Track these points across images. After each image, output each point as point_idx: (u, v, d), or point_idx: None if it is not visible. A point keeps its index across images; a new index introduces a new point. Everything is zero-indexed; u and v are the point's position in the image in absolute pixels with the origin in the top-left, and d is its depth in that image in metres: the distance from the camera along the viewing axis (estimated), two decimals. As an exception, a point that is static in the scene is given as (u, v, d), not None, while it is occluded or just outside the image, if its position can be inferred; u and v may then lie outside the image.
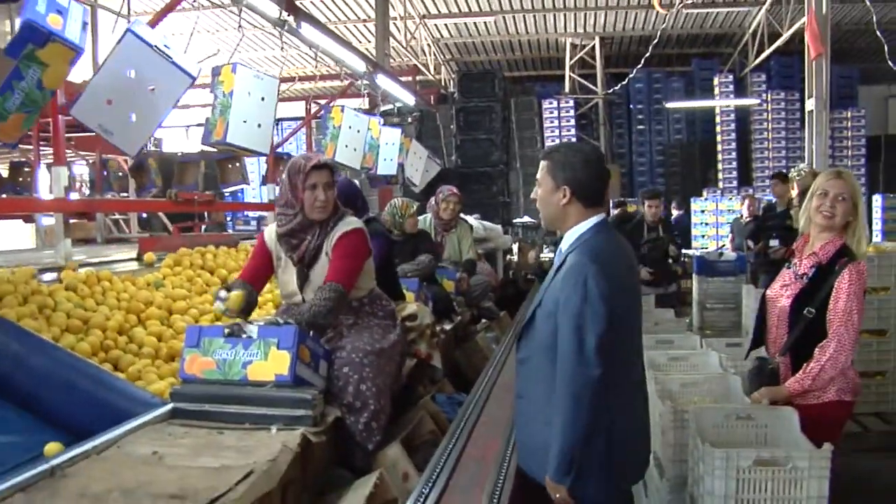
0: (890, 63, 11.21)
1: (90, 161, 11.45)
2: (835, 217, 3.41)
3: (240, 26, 6.19)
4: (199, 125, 11.26)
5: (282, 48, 10.75)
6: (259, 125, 5.86)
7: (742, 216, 10.55)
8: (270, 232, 3.56)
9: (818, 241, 3.50)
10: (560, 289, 2.56)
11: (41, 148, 8.81)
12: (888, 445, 4.80)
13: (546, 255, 10.56)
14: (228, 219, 14.59)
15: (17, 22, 3.74)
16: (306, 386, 2.88)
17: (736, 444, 3.09)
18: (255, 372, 2.86)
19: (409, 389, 3.96)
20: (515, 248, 11.24)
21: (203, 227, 11.45)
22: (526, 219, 14.16)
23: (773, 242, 7.67)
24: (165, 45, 4.56)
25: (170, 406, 2.89)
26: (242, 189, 10.71)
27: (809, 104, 11.73)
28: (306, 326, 3.10)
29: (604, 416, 2.52)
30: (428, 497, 2.53)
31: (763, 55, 15.34)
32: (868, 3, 11.42)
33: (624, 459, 2.66)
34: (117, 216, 12.30)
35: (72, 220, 11.63)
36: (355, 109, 8.45)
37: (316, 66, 8.60)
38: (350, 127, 8.16)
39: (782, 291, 3.62)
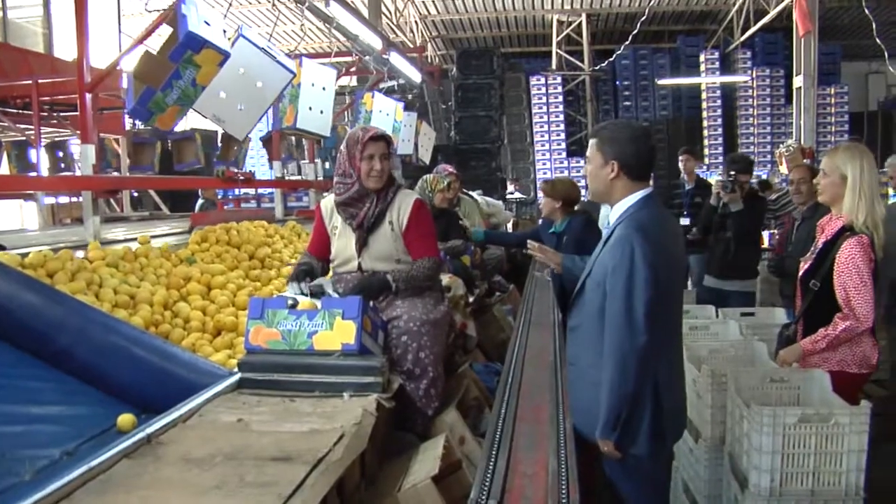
0: (878, 40, 11.40)
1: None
2: (823, 193, 3.61)
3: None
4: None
5: (300, 26, 10.75)
6: (321, 111, 6.77)
7: None
8: (326, 202, 3.72)
9: (834, 216, 3.69)
10: (609, 259, 2.72)
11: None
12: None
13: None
14: (220, 196, 14.61)
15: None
16: (371, 354, 2.98)
17: (771, 404, 3.25)
18: (321, 341, 2.95)
19: (448, 359, 4.07)
20: (510, 225, 11.35)
21: (199, 203, 11.44)
22: (518, 195, 14.29)
23: (683, 221, 7.55)
24: (269, 47, 5.39)
25: (237, 376, 2.97)
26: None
27: (798, 81, 11.92)
28: (403, 284, 3.41)
29: (649, 378, 2.71)
30: (497, 457, 2.63)
31: (749, 32, 15.49)
32: (855, -19, 11.57)
33: (669, 419, 2.84)
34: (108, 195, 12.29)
35: (71, 200, 11.69)
36: (379, 91, 9.03)
37: (330, 43, 8.68)
38: (380, 111, 8.85)
39: (803, 264, 3.82)
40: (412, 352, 3.20)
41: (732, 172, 5.93)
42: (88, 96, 4.81)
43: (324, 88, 6.84)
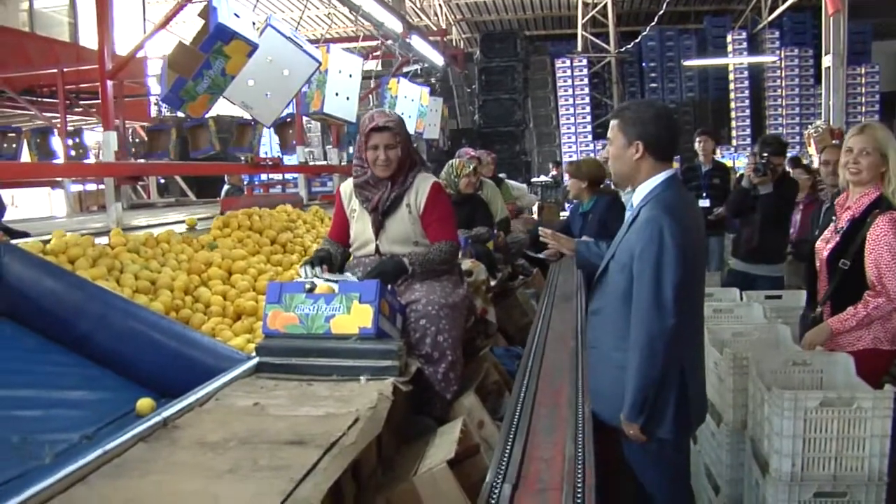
0: (907, 17, 11.20)
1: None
2: (861, 172, 3.55)
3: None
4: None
5: (327, 14, 10.75)
6: (348, 98, 7.04)
7: None
8: (345, 187, 3.72)
9: (854, 195, 3.63)
10: (636, 241, 2.69)
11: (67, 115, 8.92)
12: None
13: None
14: (245, 182, 14.68)
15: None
16: (388, 338, 2.97)
17: (794, 388, 3.22)
18: (339, 325, 2.95)
19: (468, 343, 4.06)
20: (535, 208, 11.30)
21: (224, 189, 11.48)
22: (542, 178, 14.21)
23: (704, 203, 7.44)
24: (295, 35, 5.57)
25: (255, 360, 2.97)
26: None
27: (826, 60, 11.72)
28: (419, 267, 3.39)
29: (676, 362, 2.69)
30: (514, 442, 2.62)
31: (777, 11, 15.28)
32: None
33: (695, 404, 2.82)
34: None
35: (98, 188, 11.78)
36: (404, 76, 9.24)
37: (356, 28, 8.71)
38: (405, 96, 9.03)
39: (824, 245, 3.76)
40: (430, 335, 3.19)
41: (765, 154, 5.84)
42: (110, 83, 4.84)
43: (350, 75, 7.10)
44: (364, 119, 3.54)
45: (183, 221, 5.39)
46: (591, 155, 16.08)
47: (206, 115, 5.79)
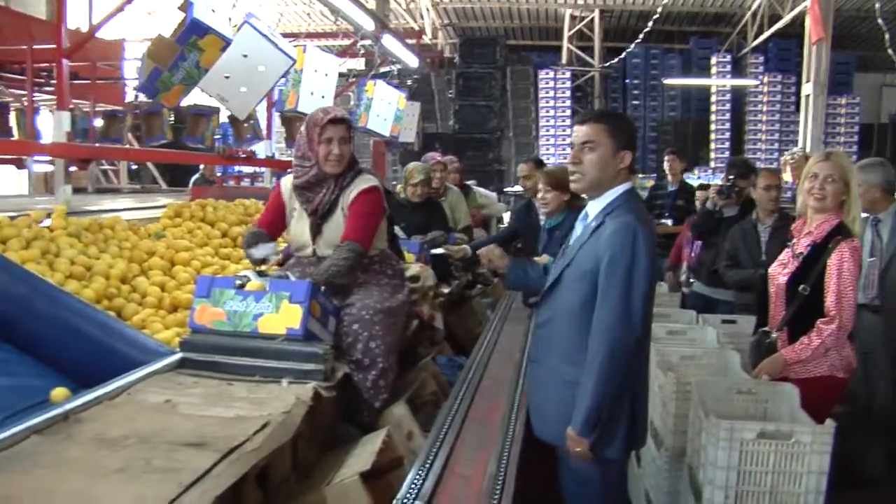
0: (890, 51, 11.22)
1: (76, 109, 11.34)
2: (826, 198, 3.50)
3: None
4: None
5: (307, 13, 10.66)
6: (323, 97, 7.18)
7: None
8: (286, 183, 3.57)
9: (814, 220, 3.59)
10: (605, 247, 2.57)
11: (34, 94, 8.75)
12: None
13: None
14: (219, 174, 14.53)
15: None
16: (316, 341, 2.87)
17: (736, 417, 3.13)
18: (266, 325, 2.86)
19: (410, 350, 3.97)
20: (507, 216, 11.23)
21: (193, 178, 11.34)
22: (518, 188, 14.13)
23: (666, 222, 7.40)
24: (272, 33, 5.74)
25: (178, 356, 2.87)
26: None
27: (807, 88, 11.75)
28: (324, 285, 3.13)
29: (631, 377, 2.58)
30: (437, 456, 2.53)
31: (762, 37, 15.33)
32: (871, -10, 11.41)
33: (642, 424, 2.73)
34: (106, 167, 12.23)
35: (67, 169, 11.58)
36: (381, 78, 9.33)
37: (336, 24, 8.66)
38: (382, 99, 9.08)
39: (780, 269, 3.71)
40: (362, 341, 3.08)
41: (731, 177, 5.78)
42: (65, 62, 4.72)
43: (326, 75, 7.31)
44: (315, 114, 3.41)
45: (140, 208, 5.28)
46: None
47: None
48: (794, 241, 3.71)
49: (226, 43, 4.85)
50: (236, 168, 12.98)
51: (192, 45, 4.67)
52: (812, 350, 3.39)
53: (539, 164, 6.42)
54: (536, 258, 4.75)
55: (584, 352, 2.61)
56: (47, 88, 10.66)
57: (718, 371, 3.84)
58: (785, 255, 3.75)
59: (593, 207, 2.77)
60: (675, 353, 3.95)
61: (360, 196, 3.38)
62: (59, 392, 2.75)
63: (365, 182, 3.42)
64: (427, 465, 2.45)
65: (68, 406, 2.31)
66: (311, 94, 7.10)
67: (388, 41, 9.02)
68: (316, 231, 3.41)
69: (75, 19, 11.54)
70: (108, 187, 10.43)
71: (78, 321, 3.09)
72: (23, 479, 1.87)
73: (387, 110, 9.33)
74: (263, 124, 9.07)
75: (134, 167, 13.13)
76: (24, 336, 3.08)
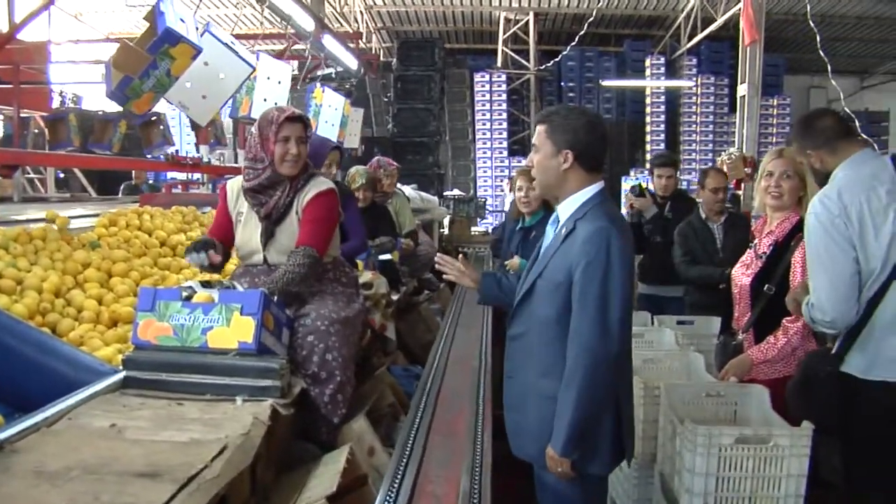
0: (821, 52, 11.42)
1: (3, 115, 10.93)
2: (783, 196, 3.49)
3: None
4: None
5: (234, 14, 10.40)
6: (276, 103, 7.01)
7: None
8: (233, 185, 3.37)
9: (774, 219, 3.57)
10: (578, 255, 2.44)
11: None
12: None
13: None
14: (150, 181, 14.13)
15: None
16: (271, 355, 2.70)
17: (706, 420, 3.08)
18: (216, 339, 2.67)
19: (364, 361, 3.81)
20: (447, 221, 11.13)
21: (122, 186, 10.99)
22: (456, 192, 14.06)
23: None
24: (232, 42, 5.93)
25: (121, 374, 2.66)
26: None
27: (742, 89, 11.90)
28: (279, 294, 2.95)
29: (613, 391, 2.47)
30: (405, 474, 2.38)
31: (696, 39, 15.52)
32: (803, -6, 11.61)
33: (629, 436, 2.61)
34: (32, 175, 11.77)
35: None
36: (322, 82, 9.49)
37: (266, 25, 8.47)
38: (329, 105, 9.29)
39: (744, 270, 3.67)
40: (318, 353, 2.90)
41: (641, 175, 5.75)
42: (-12, 63, 4.44)
43: (279, 82, 7.58)
44: (270, 112, 3.22)
45: (71, 217, 4.99)
46: (506, 172, 16.04)
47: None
48: (756, 241, 3.67)
49: (196, 51, 4.97)
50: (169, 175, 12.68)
51: (163, 53, 4.77)
52: (778, 349, 3.35)
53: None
54: (507, 261, 4.63)
55: (561, 364, 2.49)
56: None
57: (682, 373, 3.78)
58: (747, 256, 3.72)
59: (563, 211, 2.65)
60: (637, 356, 3.86)
61: (316, 200, 3.20)
62: (-9, 418, 2.53)
63: (320, 185, 3.24)
64: (396, 485, 2.30)
65: (2, 435, 2.10)
66: (265, 100, 7.29)
67: (329, 42, 8.86)
68: (268, 236, 3.22)
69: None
70: (35, 196, 9.99)
71: (9, 339, 2.85)
72: (-46, 521, 1.67)
73: (334, 116, 9.42)
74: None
75: (61, 175, 12.67)
76: (-51, 357, 2.84)
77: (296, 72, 12.01)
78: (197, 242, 3.11)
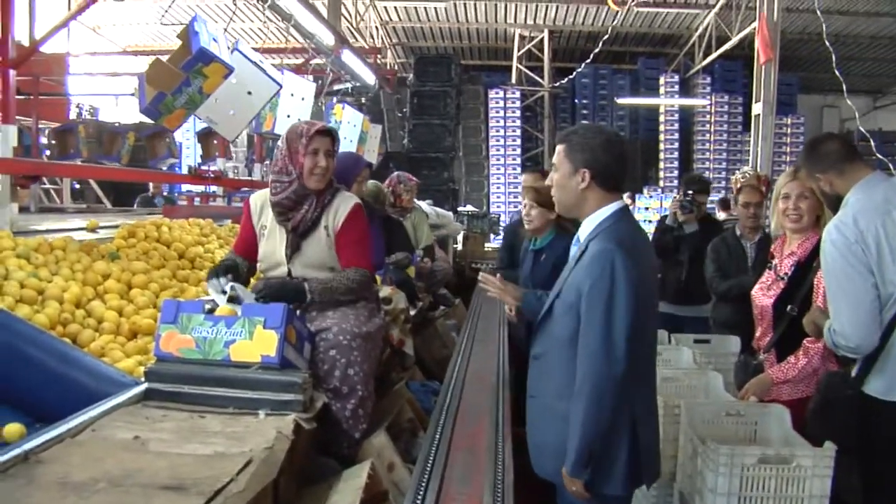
0: (836, 72, 11.37)
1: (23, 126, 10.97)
2: (802, 218, 3.47)
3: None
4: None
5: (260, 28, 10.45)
6: (299, 119, 6.99)
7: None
8: (256, 199, 3.38)
9: (794, 240, 3.55)
10: (584, 277, 2.45)
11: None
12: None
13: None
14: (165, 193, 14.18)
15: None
16: (293, 369, 2.69)
17: (726, 439, 3.05)
18: (239, 352, 2.66)
19: (383, 376, 3.80)
20: (461, 237, 11.13)
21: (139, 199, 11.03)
22: (470, 208, 14.07)
23: None
24: (261, 60, 6.11)
25: (143, 386, 2.66)
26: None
27: (756, 108, 11.87)
28: (318, 296, 3.05)
29: (626, 411, 2.44)
30: (427, 489, 2.37)
31: (710, 58, 15.51)
32: (819, 14, 11.56)
33: (649, 457, 2.58)
34: (48, 185, 11.83)
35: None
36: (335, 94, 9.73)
37: (286, 42, 8.58)
38: (349, 122, 9.38)
39: (764, 291, 3.64)
40: (340, 368, 2.90)
41: (690, 192, 5.73)
42: (12, 73, 4.48)
43: (303, 98, 7.75)
44: (298, 126, 3.24)
45: (87, 229, 5.01)
46: (519, 188, 16.02)
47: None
48: (776, 262, 3.66)
49: (228, 71, 5.12)
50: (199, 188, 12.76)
51: (196, 71, 4.91)
52: (799, 370, 3.33)
53: (545, 175, 6.06)
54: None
55: (574, 385, 2.48)
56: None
57: (700, 392, 3.76)
58: (767, 276, 3.70)
59: (582, 231, 2.66)
60: (658, 375, 3.85)
61: (351, 220, 3.25)
62: (12, 429, 2.53)
63: (347, 201, 3.27)
64: (419, 502, 2.29)
65: (27, 445, 2.09)
66: (288, 116, 7.40)
67: (348, 57, 8.91)
68: (294, 249, 3.23)
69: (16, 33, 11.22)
70: (51, 207, 10.04)
71: (31, 349, 2.85)
72: (-18, 532, 1.67)
73: (352, 133, 9.50)
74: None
75: (77, 186, 12.73)
76: (-29, 367, 2.84)
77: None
78: (219, 267, 3.10)
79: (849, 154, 3.09)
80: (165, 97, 4.90)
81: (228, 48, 5.40)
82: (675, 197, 6.06)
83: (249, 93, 5.94)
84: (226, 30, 8.18)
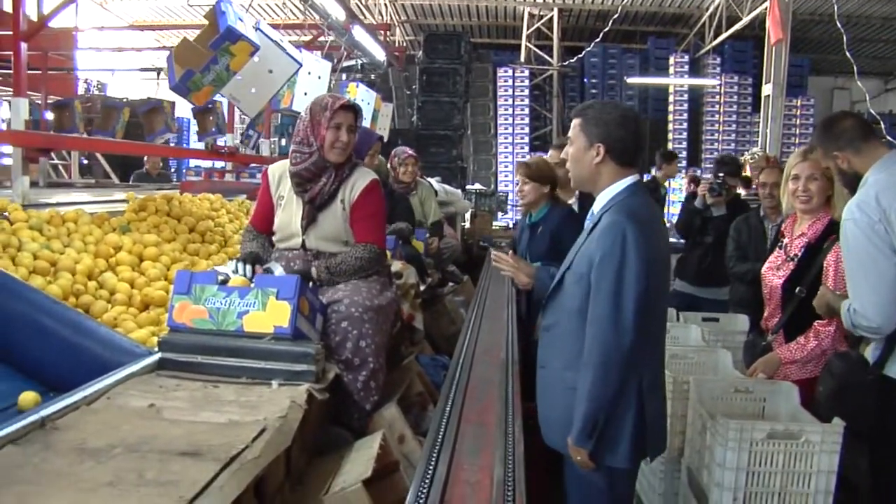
0: (848, 54, 11.30)
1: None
2: (812, 199, 3.46)
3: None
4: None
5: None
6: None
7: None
8: (275, 169, 3.39)
9: (804, 220, 3.54)
10: (595, 248, 2.46)
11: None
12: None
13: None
14: (173, 170, 14.19)
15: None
16: (305, 340, 2.71)
17: (735, 415, 3.06)
18: (252, 323, 2.68)
19: (392, 350, 3.82)
20: (468, 215, 11.12)
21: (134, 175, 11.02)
22: (478, 186, 14.04)
23: None
24: (280, 39, 6.19)
25: (157, 356, 2.68)
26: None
27: (766, 89, 11.81)
28: (327, 276, 3.07)
29: (633, 382, 2.46)
30: (438, 460, 2.38)
31: (720, 38, 15.42)
32: (831, -7, 11.50)
33: (655, 431, 2.59)
34: (56, 161, 11.85)
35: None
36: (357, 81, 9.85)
37: (309, 16, 8.65)
38: (362, 100, 9.60)
39: (774, 272, 3.64)
40: (352, 340, 2.92)
41: (721, 175, 5.69)
42: (23, 46, 4.48)
43: (319, 77, 8.04)
44: (323, 98, 3.25)
45: (98, 202, 5.04)
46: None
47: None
48: (786, 241, 3.65)
49: (254, 49, 5.26)
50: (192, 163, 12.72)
51: (224, 50, 5.07)
52: (808, 351, 3.34)
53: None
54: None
55: (582, 356, 2.50)
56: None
57: (709, 370, 3.77)
58: (777, 256, 3.70)
59: (596, 204, 2.67)
60: (666, 352, 3.87)
61: (367, 195, 3.26)
62: (27, 397, 2.57)
63: (365, 176, 3.28)
64: (430, 472, 2.30)
65: (44, 412, 2.11)
66: (305, 94, 7.73)
67: (359, 33, 8.91)
68: (310, 220, 3.24)
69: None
70: (60, 181, 10.05)
71: (45, 319, 2.89)
72: (1, 497, 1.68)
73: (366, 111, 9.63)
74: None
75: (84, 161, 12.75)
76: (-13, 336, 2.87)
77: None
78: (245, 256, 3.11)
79: (865, 132, 3.07)
80: (194, 74, 5.05)
81: (254, 28, 5.53)
82: (692, 176, 6.00)
83: (270, 71, 6.06)
84: (249, 6, 8.30)
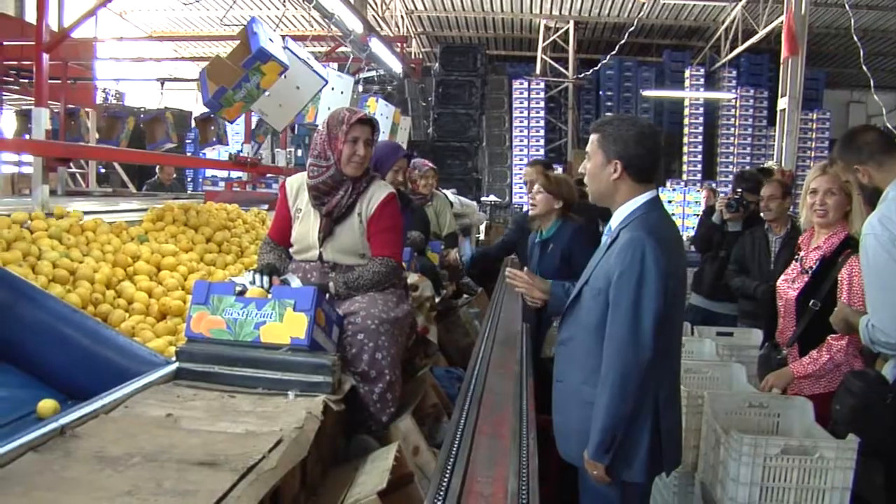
0: (864, 67, 11.28)
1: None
2: (828, 213, 3.46)
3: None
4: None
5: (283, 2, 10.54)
6: None
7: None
8: (292, 182, 3.42)
9: (821, 234, 3.54)
10: (615, 264, 2.47)
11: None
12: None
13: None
14: (189, 179, 14.29)
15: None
16: (321, 351, 2.73)
17: (749, 430, 3.06)
18: (269, 334, 2.70)
19: (407, 362, 3.83)
20: (483, 227, 11.14)
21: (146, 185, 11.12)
22: (493, 198, 14.07)
23: None
24: (308, 57, 6.35)
25: (175, 366, 2.70)
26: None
27: (782, 103, 11.77)
28: (345, 290, 3.10)
29: (650, 398, 2.47)
30: (453, 472, 2.39)
31: (736, 51, 15.41)
32: (847, 8, 11.46)
33: (671, 445, 2.60)
34: (74, 169, 11.94)
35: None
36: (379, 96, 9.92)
37: (326, 28, 8.71)
38: (381, 114, 9.57)
39: (789, 284, 3.64)
40: (368, 352, 2.93)
41: (740, 190, 5.67)
42: (45, 56, 4.53)
43: (342, 92, 8.20)
44: (340, 112, 3.27)
45: (114, 212, 5.07)
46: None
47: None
48: (802, 254, 3.65)
49: (284, 68, 5.46)
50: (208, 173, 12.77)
51: (255, 69, 5.27)
52: (820, 365, 3.33)
53: (547, 166, 6.05)
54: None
55: (600, 371, 2.51)
56: (14, 87, 10.38)
57: (724, 384, 3.77)
58: (793, 269, 3.70)
59: (614, 220, 2.68)
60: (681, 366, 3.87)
61: (384, 209, 3.27)
62: (46, 404, 2.59)
63: (382, 190, 3.30)
64: (444, 484, 2.31)
65: (63, 420, 2.14)
66: (329, 109, 7.57)
67: (375, 45, 8.95)
68: (327, 233, 3.26)
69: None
70: (78, 190, 10.12)
71: (64, 327, 2.92)
72: (22, 503, 1.70)
73: (385, 124, 9.66)
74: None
75: (102, 170, 12.84)
76: (6, 343, 2.90)
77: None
78: (264, 267, 3.11)
79: (888, 146, 3.07)
80: (226, 91, 5.25)
81: (283, 48, 5.71)
82: (710, 190, 5.98)
83: (298, 87, 6.20)
84: (279, 24, 8.43)
